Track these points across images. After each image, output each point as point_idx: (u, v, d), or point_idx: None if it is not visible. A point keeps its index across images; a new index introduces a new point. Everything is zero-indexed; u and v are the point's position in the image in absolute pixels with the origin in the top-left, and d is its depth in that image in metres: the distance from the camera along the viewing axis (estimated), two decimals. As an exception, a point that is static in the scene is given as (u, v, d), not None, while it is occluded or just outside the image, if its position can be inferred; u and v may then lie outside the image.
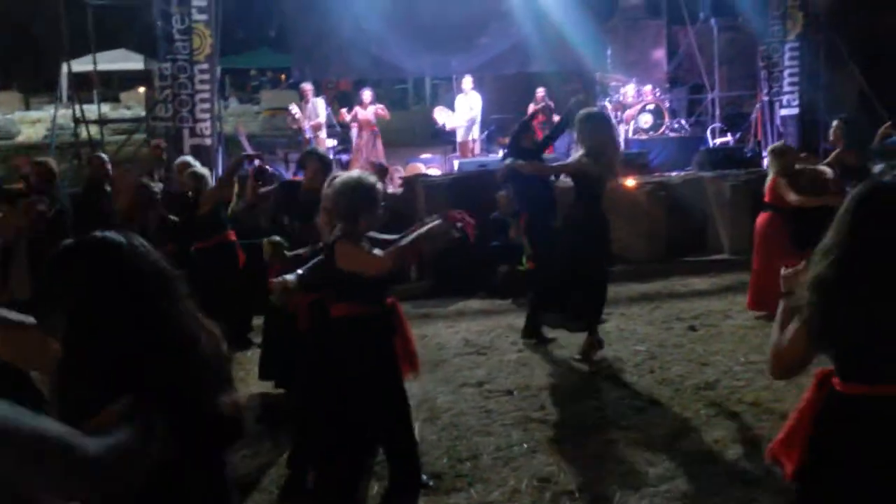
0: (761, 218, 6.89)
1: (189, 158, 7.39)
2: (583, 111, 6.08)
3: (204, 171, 6.93)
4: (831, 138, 7.67)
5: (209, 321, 1.94)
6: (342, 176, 3.81)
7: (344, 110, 12.65)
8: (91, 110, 11.31)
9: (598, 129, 5.80)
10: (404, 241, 3.67)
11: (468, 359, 6.19)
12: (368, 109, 11.84)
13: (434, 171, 11.74)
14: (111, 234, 1.83)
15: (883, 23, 16.03)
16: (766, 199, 6.83)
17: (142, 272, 1.81)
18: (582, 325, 5.98)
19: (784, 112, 12.02)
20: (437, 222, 3.68)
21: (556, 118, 8.06)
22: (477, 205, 8.88)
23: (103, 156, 8.32)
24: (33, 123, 20.51)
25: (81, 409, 1.62)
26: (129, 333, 1.75)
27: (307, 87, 12.07)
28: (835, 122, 7.60)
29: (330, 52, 11.89)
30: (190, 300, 1.90)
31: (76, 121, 10.58)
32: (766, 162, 11.75)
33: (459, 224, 3.72)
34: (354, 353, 3.66)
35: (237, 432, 2.01)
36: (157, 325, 1.79)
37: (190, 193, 6.66)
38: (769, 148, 7.53)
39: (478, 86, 12.88)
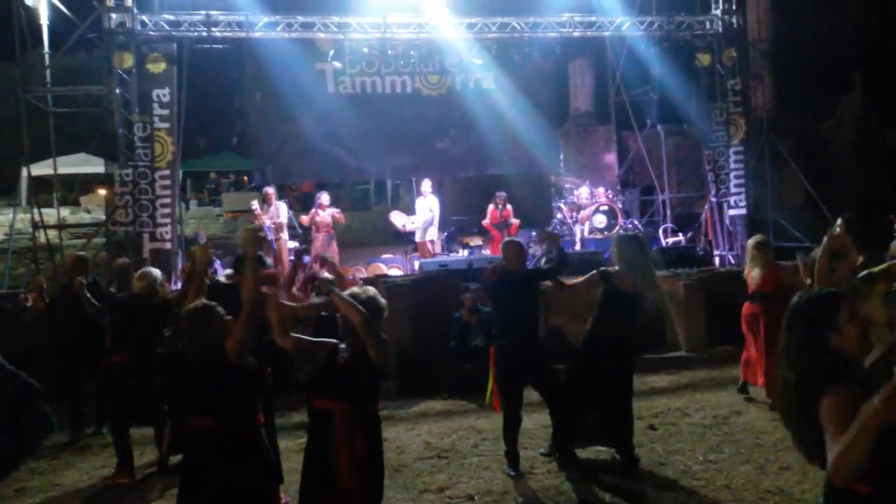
0: (770, 308, 6.85)
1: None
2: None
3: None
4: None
5: None
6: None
7: (304, 216, 12.76)
8: (51, 214, 11.25)
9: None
10: None
11: (429, 463, 6.11)
12: (326, 212, 12.01)
13: (396, 272, 11.83)
14: None
15: (819, 126, 16.97)
16: (770, 287, 6.97)
17: None
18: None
19: (733, 212, 12.45)
20: None
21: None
22: (439, 305, 9.01)
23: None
24: (-10, 227, 20.28)
25: None
26: None
27: (270, 190, 12.19)
28: None
29: (291, 156, 12.14)
30: None
31: (35, 225, 10.50)
32: (718, 259, 12.07)
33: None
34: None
35: None
36: None
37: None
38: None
39: (437, 188, 13.16)
